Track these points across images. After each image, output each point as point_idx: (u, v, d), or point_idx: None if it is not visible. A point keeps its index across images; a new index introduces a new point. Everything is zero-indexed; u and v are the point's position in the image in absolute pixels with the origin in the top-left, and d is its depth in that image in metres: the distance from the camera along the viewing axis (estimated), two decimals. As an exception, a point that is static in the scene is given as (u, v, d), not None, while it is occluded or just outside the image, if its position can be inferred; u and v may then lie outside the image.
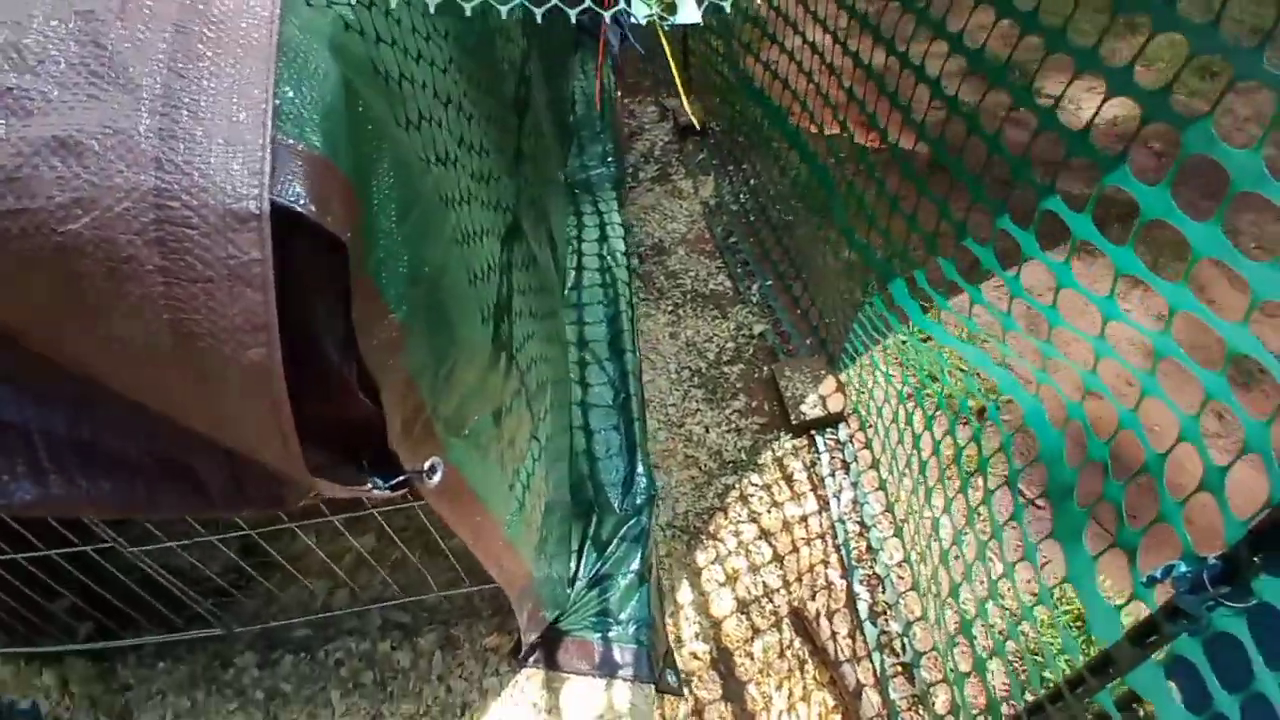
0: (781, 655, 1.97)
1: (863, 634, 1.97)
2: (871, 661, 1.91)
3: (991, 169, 1.46)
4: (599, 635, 1.45)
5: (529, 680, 1.39)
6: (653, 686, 1.42)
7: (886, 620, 1.99)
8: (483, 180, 1.12)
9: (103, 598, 1.40)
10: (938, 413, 2.25)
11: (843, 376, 2.55)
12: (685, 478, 2.45)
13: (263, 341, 0.56)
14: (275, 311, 0.56)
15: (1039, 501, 2.16)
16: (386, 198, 0.73)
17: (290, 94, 0.61)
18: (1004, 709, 1.62)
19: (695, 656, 1.98)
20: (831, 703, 1.86)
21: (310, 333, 0.65)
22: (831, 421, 2.49)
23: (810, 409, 2.48)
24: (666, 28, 0.99)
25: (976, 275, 1.65)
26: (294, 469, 0.67)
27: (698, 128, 4.05)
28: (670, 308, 3.11)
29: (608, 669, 1.41)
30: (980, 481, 2.08)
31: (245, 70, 0.59)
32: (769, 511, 2.32)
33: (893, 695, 1.83)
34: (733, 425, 2.60)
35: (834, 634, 1.96)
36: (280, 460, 0.64)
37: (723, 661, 1.98)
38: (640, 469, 1.75)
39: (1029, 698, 1.31)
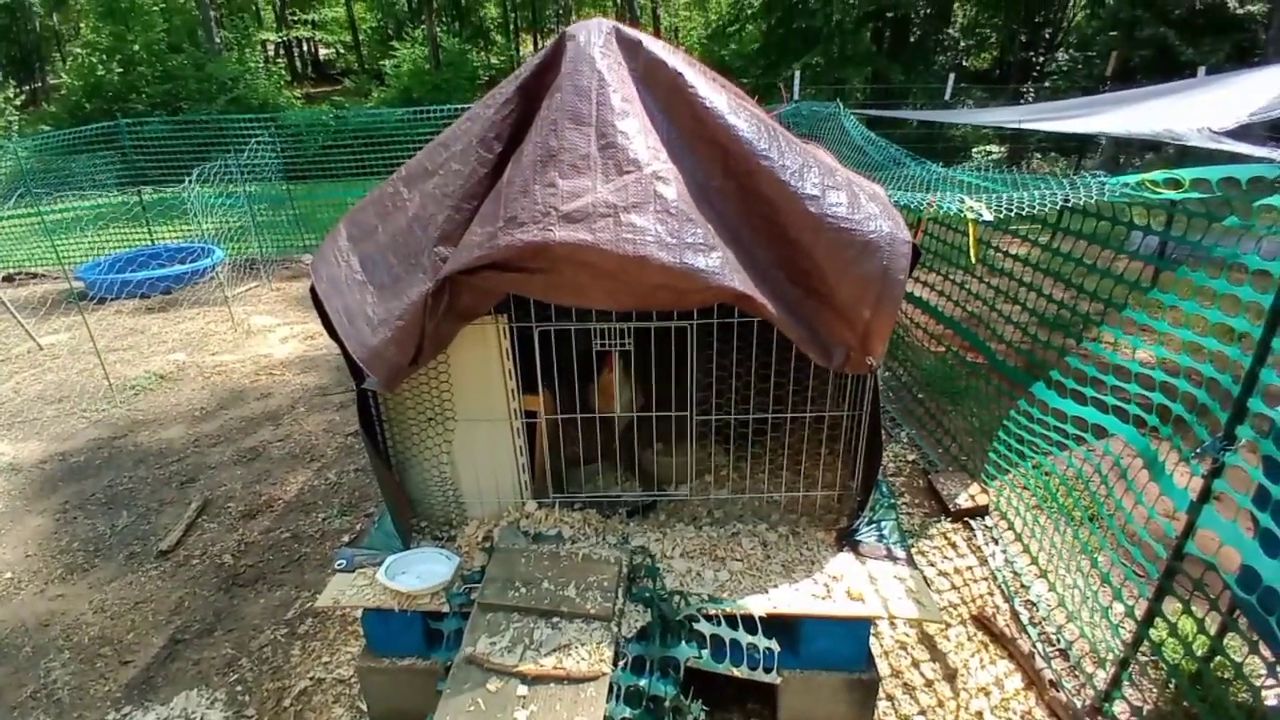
0: (970, 639, 2.80)
1: (1026, 634, 2.79)
2: (1035, 646, 2.71)
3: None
4: (883, 545, 2.43)
5: (846, 555, 2.38)
6: (921, 574, 2.36)
7: (1042, 626, 2.82)
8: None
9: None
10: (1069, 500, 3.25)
11: (984, 485, 3.60)
12: (874, 537, 3.42)
13: (901, 282, 1.87)
14: (907, 272, 1.87)
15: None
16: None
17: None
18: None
19: (905, 635, 2.82)
20: (1010, 667, 2.65)
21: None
22: (979, 512, 3.49)
23: (964, 502, 3.51)
24: (979, 221, 2.37)
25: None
26: (881, 336, 1.92)
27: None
28: (839, 441, 4.29)
29: (892, 559, 2.38)
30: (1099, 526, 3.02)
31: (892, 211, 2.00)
32: (941, 562, 3.24)
33: (1054, 665, 2.62)
34: (904, 511, 3.61)
35: (1008, 625, 2.79)
36: (871, 328, 1.90)
37: (925, 641, 2.81)
38: (882, 483, 2.82)
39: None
